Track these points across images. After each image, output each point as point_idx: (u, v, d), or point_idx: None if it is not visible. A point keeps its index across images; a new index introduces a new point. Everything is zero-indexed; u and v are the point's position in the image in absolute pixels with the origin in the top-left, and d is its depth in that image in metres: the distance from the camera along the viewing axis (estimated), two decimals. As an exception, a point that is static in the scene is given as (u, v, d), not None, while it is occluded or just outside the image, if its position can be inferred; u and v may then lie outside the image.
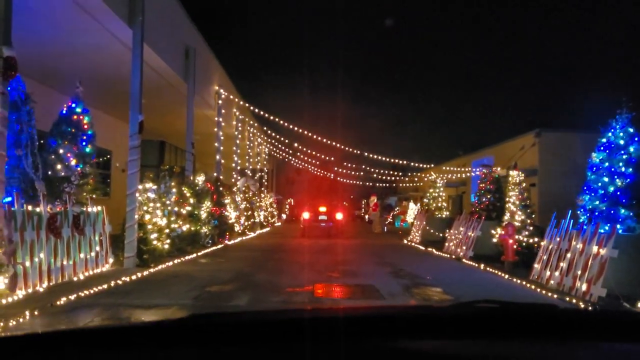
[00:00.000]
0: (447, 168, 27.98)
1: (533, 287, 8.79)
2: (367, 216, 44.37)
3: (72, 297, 6.61)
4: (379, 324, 1.32)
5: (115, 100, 16.43)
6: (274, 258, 12.60)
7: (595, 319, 1.52)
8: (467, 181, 30.24)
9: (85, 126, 9.29)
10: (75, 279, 8.16)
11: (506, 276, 9.94)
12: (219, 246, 14.80)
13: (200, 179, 14.34)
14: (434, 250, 15.67)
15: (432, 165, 25.65)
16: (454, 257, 14.02)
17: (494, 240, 12.70)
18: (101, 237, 9.34)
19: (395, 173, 29.78)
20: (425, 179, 31.67)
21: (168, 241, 10.35)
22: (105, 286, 7.55)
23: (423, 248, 16.66)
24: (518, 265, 11.13)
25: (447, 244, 15.66)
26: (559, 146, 21.62)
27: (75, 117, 9.22)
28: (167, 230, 10.53)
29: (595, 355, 1.28)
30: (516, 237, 11.32)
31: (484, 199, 14.55)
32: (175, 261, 10.69)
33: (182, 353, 1.18)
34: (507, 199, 14.75)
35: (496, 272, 10.56)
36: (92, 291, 7.11)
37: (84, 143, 9.23)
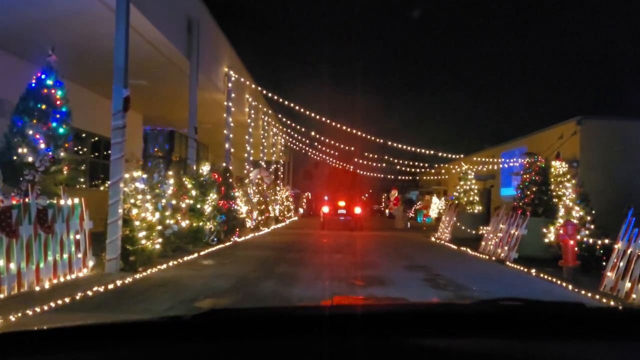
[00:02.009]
0: (477, 159, 25.93)
1: (612, 302, 6.94)
2: (387, 211, 42.67)
3: (15, 316, 5.02)
4: (399, 321, 1.28)
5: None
6: (287, 259, 10.93)
7: (624, 318, 1.44)
8: (495, 174, 28.21)
9: (58, 102, 7.70)
10: (37, 288, 6.57)
11: (570, 286, 8.08)
12: (227, 244, 13.18)
13: (205, 168, 12.70)
14: (468, 250, 13.83)
15: (462, 156, 23.64)
16: (494, 258, 12.18)
17: (546, 240, 10.84)
18: (78, 236, 7.77)
19: (419, 164, 27.80)
20: (453, 171, 29.71)
21: (160, 240, 8.71)
22: (67, 300, 5.95)
23: (455, 247, 14.82)
24: (577, 271, 9.28)
25: (483, 243, 13.80)
26: (605, 135, 19.51)
27: (45, 90, 7.63)
28: (159, 227, 8.90)
29: (623, 355, 1.22)
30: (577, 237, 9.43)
31: (528, 192, 12.64)
32: (170, 263, 9.08)
33: (201, 347, 1.17)
34: (554, 192, 12.93)
35: (554, 280, 8.72)
36: (47, 307, 5.51)
37: (56, 122, 7.66)
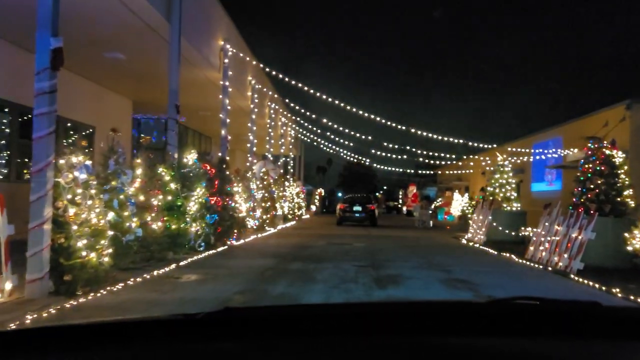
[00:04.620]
0: (512, 149, 23.28)
1: None
2: (405, 208, 40.23)
3: None
4: (413, 320, 1.27)
5: (99, 61, 12.64)
6: (290, 271, 8.58)
7: None
8: (525, 167, 25.61)
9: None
10: None
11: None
12: (219, 249, 10.88)
13: (190, 157, 10.37)
14: (513, 257, 11.34)
15: (495, 146, 21.08)
16: (550, 269, 9.69)
17: (628, 248, 8.35)
18: (-12, 246, 5.48)
19: (441, 154, 25.21)
20: (483, 163, 27.11)
21: (110, 250, 6.37)
22: None
23: (495, 252, 12.33)
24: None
25: (531, 248, 11.31)
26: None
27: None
28: (111, 232, 6.57)
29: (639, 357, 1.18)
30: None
31: (592, 186, 10.11)
32: (131, 281, 6.79)
33: (217, 346, 1.16)
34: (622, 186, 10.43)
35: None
36: None
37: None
